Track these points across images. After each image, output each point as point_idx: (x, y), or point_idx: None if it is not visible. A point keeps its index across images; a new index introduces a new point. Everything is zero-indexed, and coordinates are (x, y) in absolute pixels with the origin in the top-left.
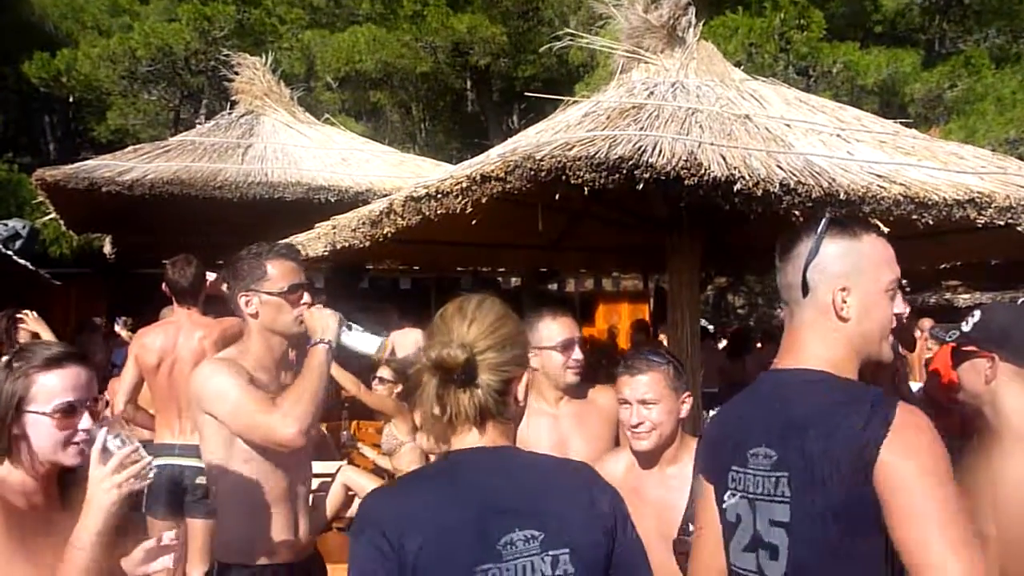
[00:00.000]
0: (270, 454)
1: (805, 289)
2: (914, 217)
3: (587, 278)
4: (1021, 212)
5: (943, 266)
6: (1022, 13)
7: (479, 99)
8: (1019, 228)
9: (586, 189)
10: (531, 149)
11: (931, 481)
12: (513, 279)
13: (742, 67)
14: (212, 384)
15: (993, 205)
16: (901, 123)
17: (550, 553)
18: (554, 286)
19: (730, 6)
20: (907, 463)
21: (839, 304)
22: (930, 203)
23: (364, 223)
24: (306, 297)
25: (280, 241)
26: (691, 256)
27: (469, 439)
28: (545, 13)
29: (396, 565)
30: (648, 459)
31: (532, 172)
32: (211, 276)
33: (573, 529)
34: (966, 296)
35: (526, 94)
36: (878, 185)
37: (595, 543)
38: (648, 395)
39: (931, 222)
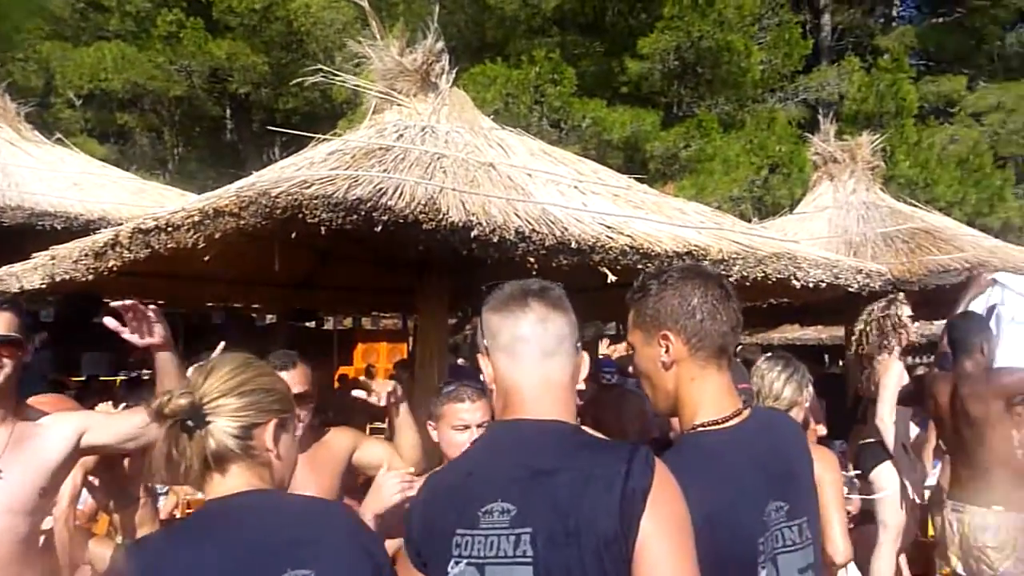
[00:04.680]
0: None
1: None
2: (639, 266)
3: (346, 316)
4: (732, 264)
5: None
6: (746, 85)
7: (238, 128)
8: (730, 279)
9: (322, 229)
10: (268, 185)
11: (685, 542)
12: (268, 316)
13: (499, 116)
14: None
15: (708, 257)
16: (636, 178)
17: None
18: (312, 324)
19: (490, 56)
20: (665, 528)
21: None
22: (653, 254)
23: (87, 255)
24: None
25: None
26: (438, 297)
27: (219, 486)
28: (309, 46)
29: None
30: None
31: (267, 209)
32: None
33: (343, 569)
34: None
35: (281, 128)
36: (607, 235)
37: None
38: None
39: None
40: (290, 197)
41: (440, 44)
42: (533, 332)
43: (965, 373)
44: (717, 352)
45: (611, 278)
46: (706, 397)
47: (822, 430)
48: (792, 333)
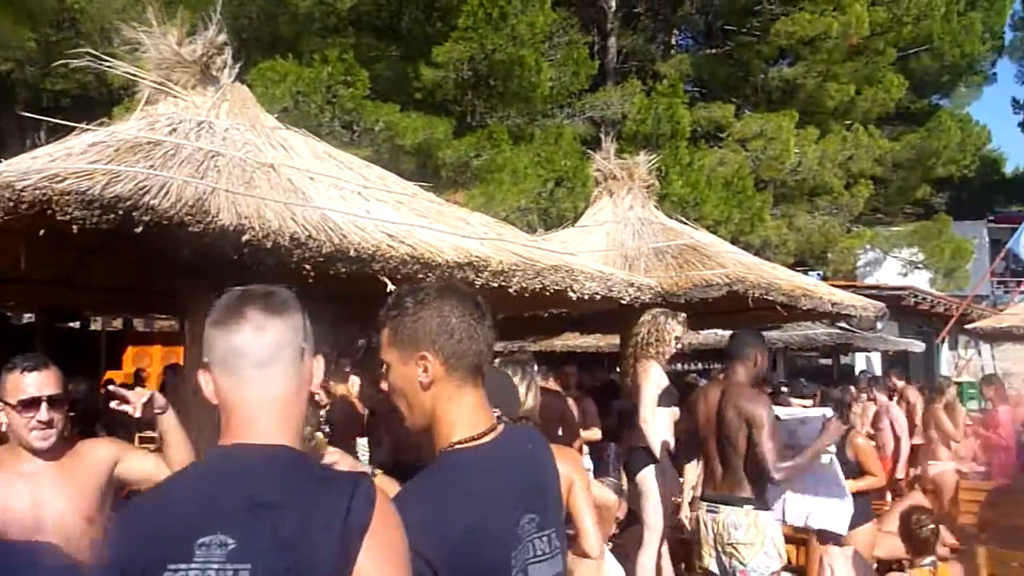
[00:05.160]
0: None
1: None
2: (420, 276)
3: (115, 317)
4: (512, 275)
5: None
6: (536, 100)
7: None
8: (510, 290)
9: (75, 227)
10: (14, 177)
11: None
12: (27, 315)
13: (289, 114)
14: None
15: (489, 268)
16: (426, 185)
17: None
18: (76, 324)
19: (282, 52)
20: (382, 564)
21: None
22: (434, 264)
23: None
24: None
25: None
26: (208, 301)
27: None
28: (84, 25)
29: None
30: None
31: (11, 203)
32: None
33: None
34: None
35: (47, 112)
36: (388, 244)
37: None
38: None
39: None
40: (38, 191)
41: (223, 36)
42: (247, 343)
43: (736, 379)
44: (473, 371)
45: (391, 287)
46: (462, 415)
47: (596, 434)
48: (573, 341)
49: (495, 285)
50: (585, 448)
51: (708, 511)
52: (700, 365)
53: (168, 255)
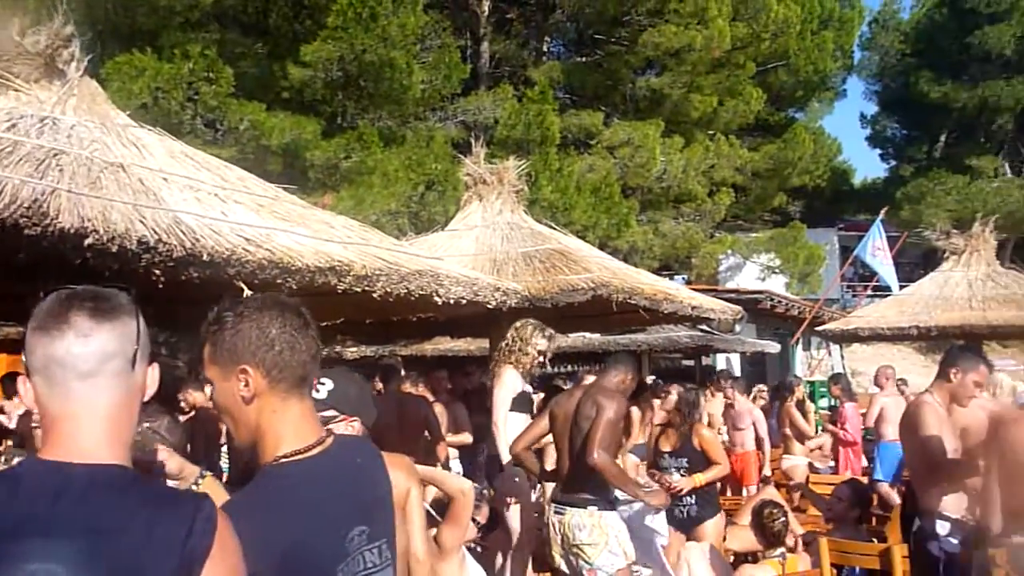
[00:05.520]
0: None
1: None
2: (279, 281)
3: None
4: (376, 280)
5: (327, 323)
6: (407, 102)
7: None
8: (374, 294)
9: None
10: None
11: None
12: None
13: (148, 111)
14: None
15: (352, 273)
16: (289, 188)
17: None
18: None
19: (139, 46)
20: None
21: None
22: (294, 269)
23: None
24: None
25: None
26: None
27: None
28: None
29: None
30: None
31: None
32: None
33: None
34: (353, 350)
35: None
36: (244, 248)
37: None
38: None
39: (295, 287)
40: None
41: (70, 27)
42: (70, 352)
43: (603, 383)
44: (298, 382)
45: (247, 292)
46: (288, 428)
47: (467, 438)
48: (444, 345)
49: (358, 290)
50: (454, 452)
51: (555, 513)
52: (568, 368)
53: (8, 259)
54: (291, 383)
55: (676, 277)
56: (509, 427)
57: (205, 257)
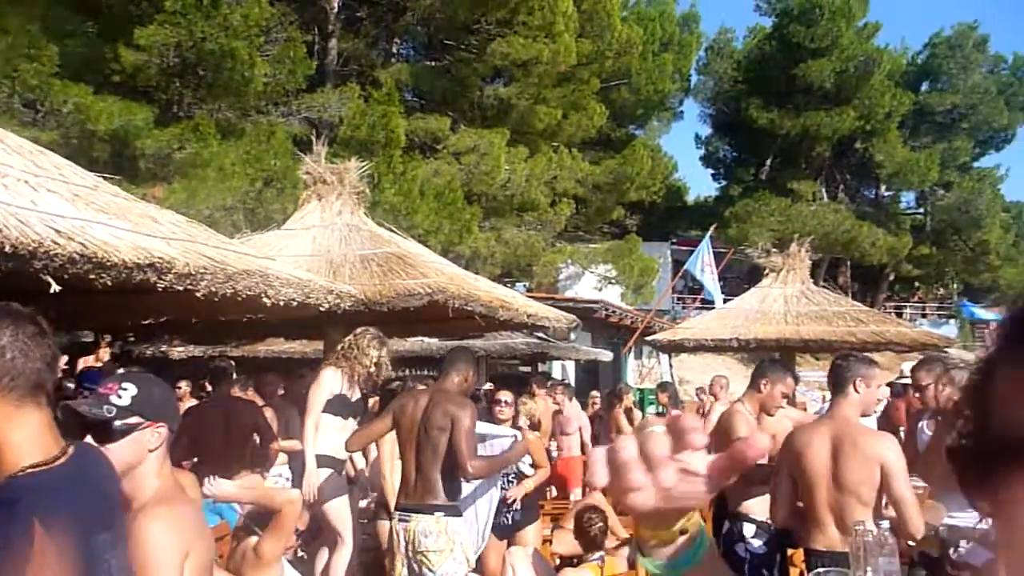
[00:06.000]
0: None
1: None
2: (91, 277)
3: None
4: (200, 278)
5: (149, 321)
6: (249, 94)
7: None
8: (198, 294)
9: None
10: None
11: None
12: None
13: None
14: None
15: (173, 270)
16: (110, 178)
17: None
18: None
19: None
20: None
21: None
22: (109, 264)
23: None
24: None
25: None
26: None
27: None
28: None
29: None
30: None
31: None
32: None
33: None
34: (180, 350)
35: None
36: (54, 241)
37: None
38: None
39: (109, 283)
40: None
41: None
42: None
43: (447, 387)
44: (33, 390)
45: (55, 288)
46: (27, 437)
47: (299, 444)
48: (279, 346)
49: (180, 288)
50: (284, 458)
51: (400, 520)
52: (406, 372)
53: None
54: (25, 390)
55: (517, 285)
56: (323, 430)
57: (8, 249)
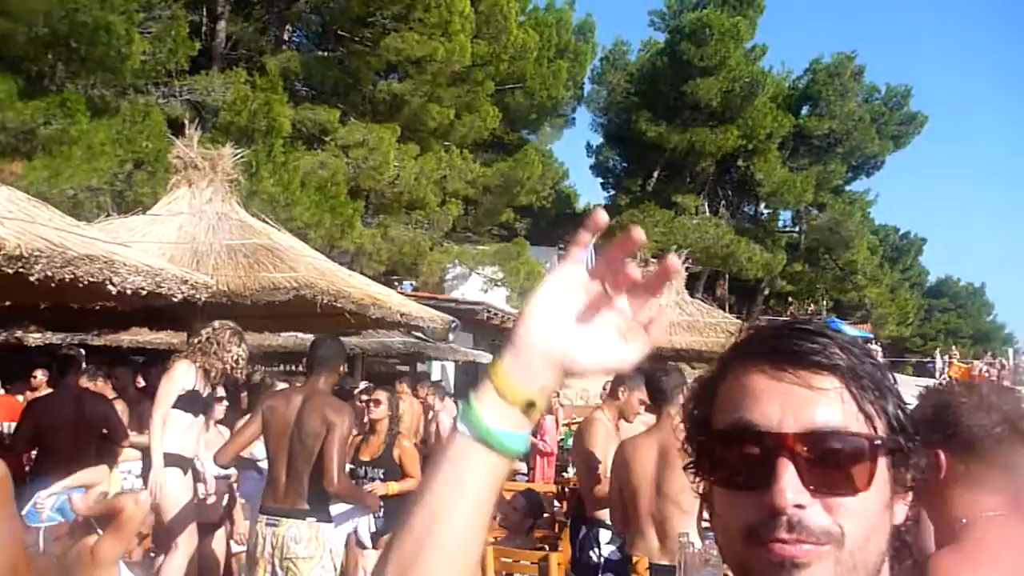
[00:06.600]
0: None
1: None
2: None
3: None
4: (35, 262)
5: None
6: (125, 71)
7: None
8: (31, 278)
9: None
10: None
11: None
12: None
13: None
14: None
15: (3, 252)
16: None
17: None
18: None
19: None
20: None
21: None
22: None
23: None
24: None
25: None
26: None
27: None
28: None
29: None
30: None
31: None
32: None
33: None
34: (37, 336)
35: None
36: None
37: None
38: None
39: None
40: None
41: None
42: None
43: (320, 387)
44: None
45: None
46: None
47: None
48: (143, 336)
49: (11, 271)
50: (136, 454)
51: (268, 524)
52: (278, 367)
53: None
54: None
55: (405, 283)
56: (170, 427)
57: None
